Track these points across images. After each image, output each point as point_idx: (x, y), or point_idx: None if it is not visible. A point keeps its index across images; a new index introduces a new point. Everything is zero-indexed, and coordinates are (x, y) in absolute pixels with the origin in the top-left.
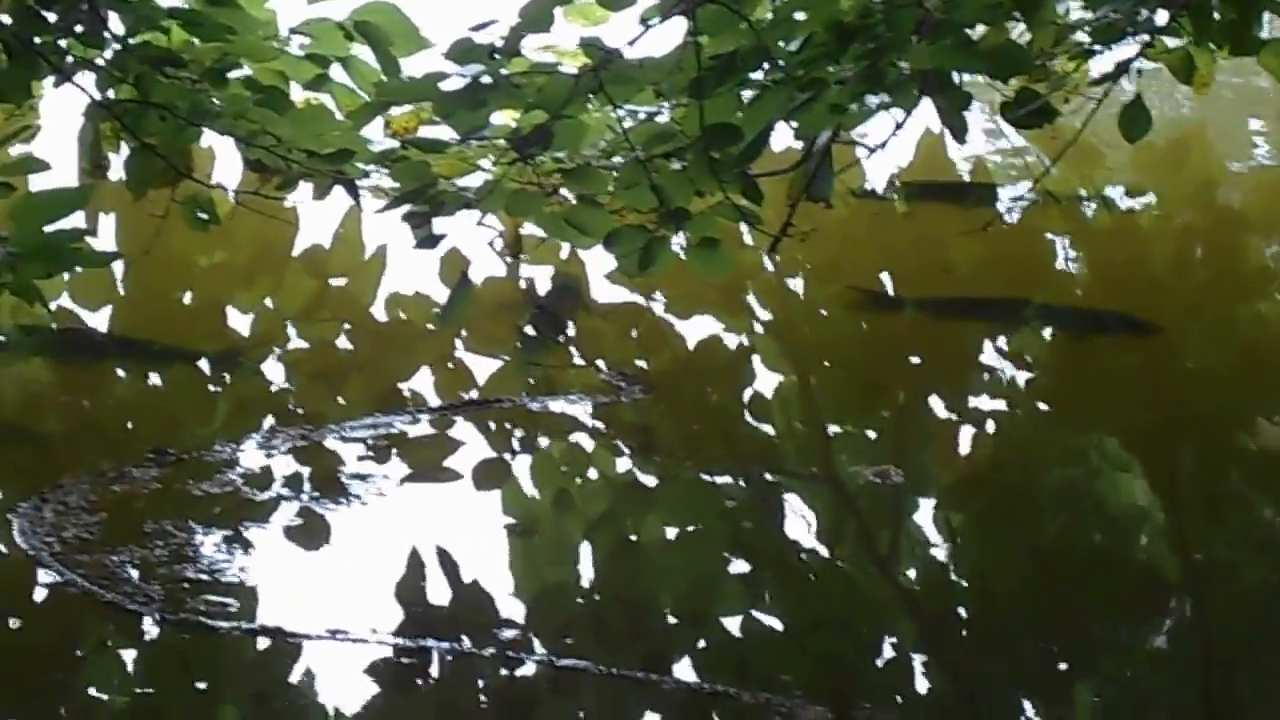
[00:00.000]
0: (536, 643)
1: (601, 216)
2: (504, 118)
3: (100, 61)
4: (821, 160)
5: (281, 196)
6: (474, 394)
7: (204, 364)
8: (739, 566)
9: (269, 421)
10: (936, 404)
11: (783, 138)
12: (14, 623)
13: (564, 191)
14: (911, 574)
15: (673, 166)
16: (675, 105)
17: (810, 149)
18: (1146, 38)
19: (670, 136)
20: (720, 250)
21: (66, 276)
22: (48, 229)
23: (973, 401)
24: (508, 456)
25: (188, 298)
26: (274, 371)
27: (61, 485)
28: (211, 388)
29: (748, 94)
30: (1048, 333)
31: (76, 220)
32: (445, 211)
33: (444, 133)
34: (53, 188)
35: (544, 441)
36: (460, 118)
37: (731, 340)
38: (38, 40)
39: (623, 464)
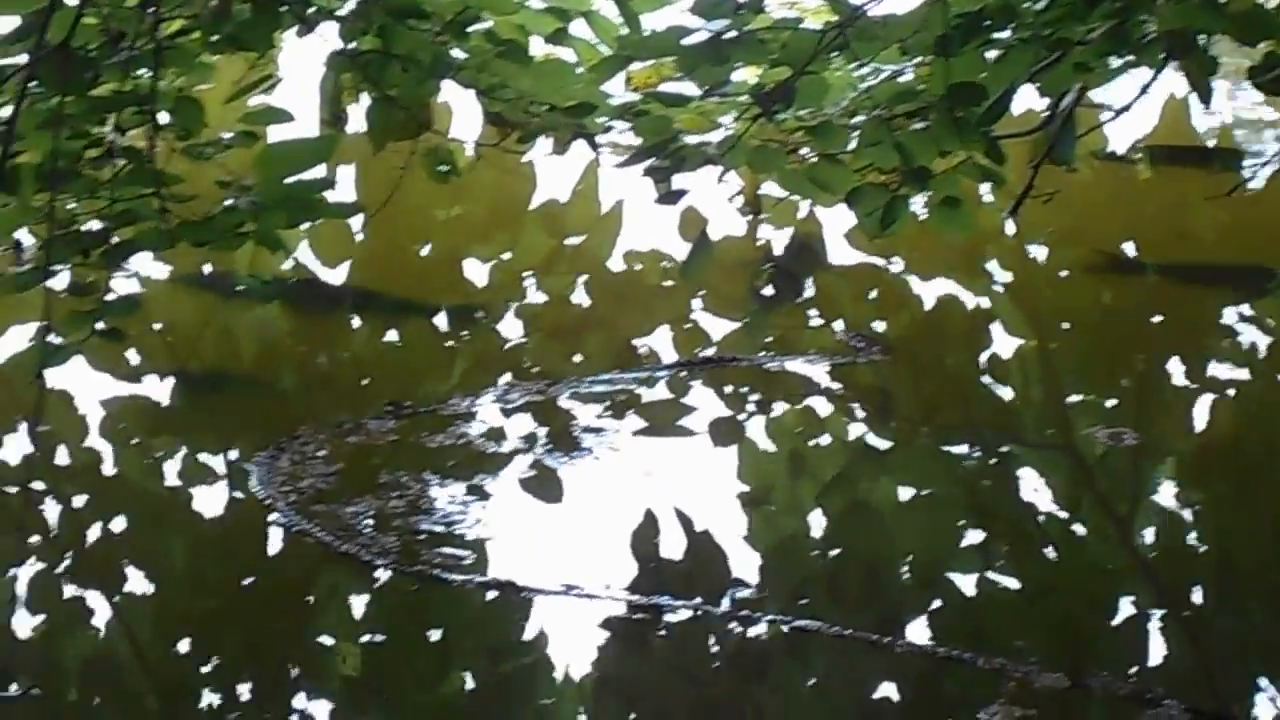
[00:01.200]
0: (770, 602)
1: (844, 173)
2: (746, 74)
3: (342, 11)
4: (1065, 122)
5: (521, 150)
6: (710, 352)
7: (440, 318)
8: (974, 530)
9: (505, 376)
10: (1177, 370)
11: (1023, 101)
12: (249, 571)
13: (804, 151)
14: (1148, 540)
15: (915, 126)
16: (919, 64)
17: (1054, 111)
18: None
19: (913, 95)
20: (962, 209)
21: (305, 228)
22: (290, 179)
23: (1213, 369)
24: (742, 416)
25: (425, 251)
26: (510, 327)
27: (299, 435)
28: (448, 342)
29: (992, 53)
30: None
31: (317, 172)
32: (686, 167)
33: (685, 89)
34: (297, 138)
35: (779, 402)
36: (703, 72)
37: (970, 303)
38: None
39: (858, 426)
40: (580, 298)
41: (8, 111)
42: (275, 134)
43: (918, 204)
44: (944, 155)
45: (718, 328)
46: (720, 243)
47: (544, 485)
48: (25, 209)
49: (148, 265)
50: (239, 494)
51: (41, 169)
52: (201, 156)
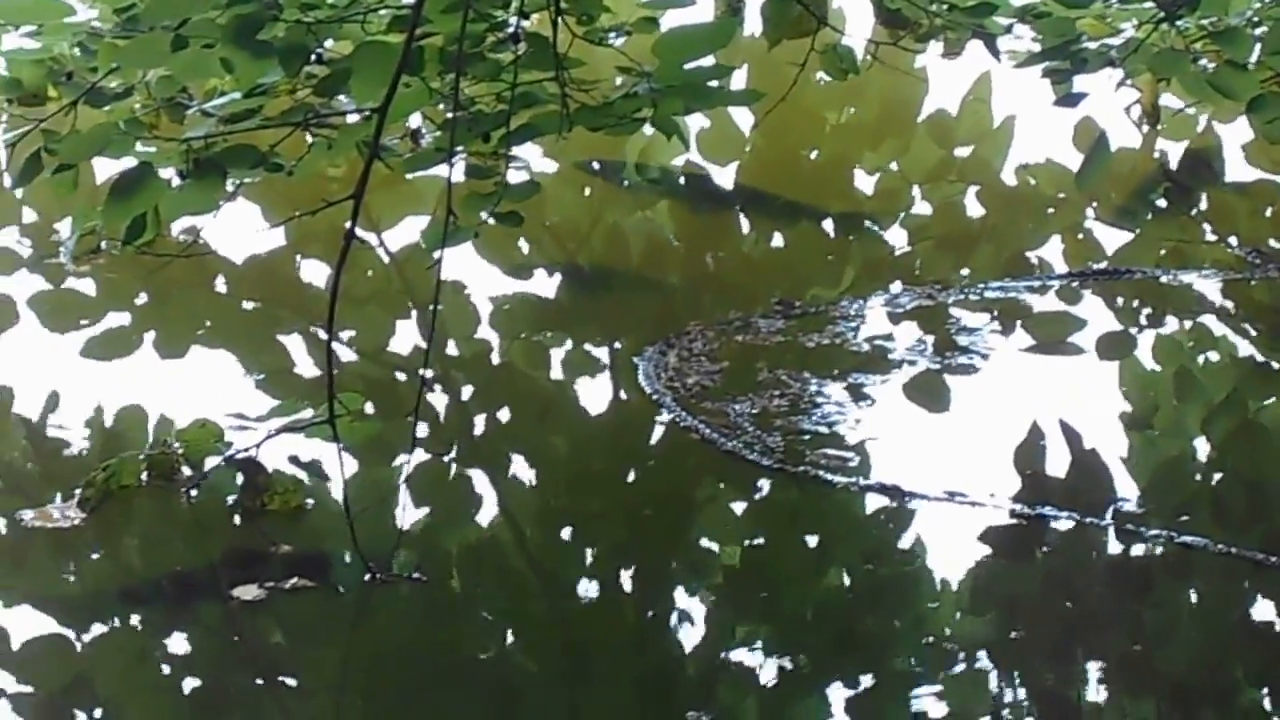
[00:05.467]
0: (1152, 518)
1: (1247, 80)
2: None
3: None
4: None
5: (916, 51)
6: (1102, 264)
7: (828, 222)
8: None
9: (894, 282)
10: None
11: None
12: (634, 465)
13: (1204, 63)
14: None
15: None
16: None
17: None
18: None
19: None
20: None
21: (695, 131)
22: (689, 66)
23: None
24: (1133, 329)
25: (814, 155)
26: (898, 233)
27: (687, 332)
28: (836, 246)
29: None
30: None
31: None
32: (1086, 69)
33: None
34: (696, 23)
35: (1170, 316)
36: None
37: None
38: None
39: (1249, 344)
40: (970, 207)
41: None
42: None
43: None
44: None
45: (1111, 239)
46: (1115, 153)
47: (928, 391)
48: (427, 90)
49: (538, 159)
50: (626, 389)
51: (445, 52)
52: (602, 42)
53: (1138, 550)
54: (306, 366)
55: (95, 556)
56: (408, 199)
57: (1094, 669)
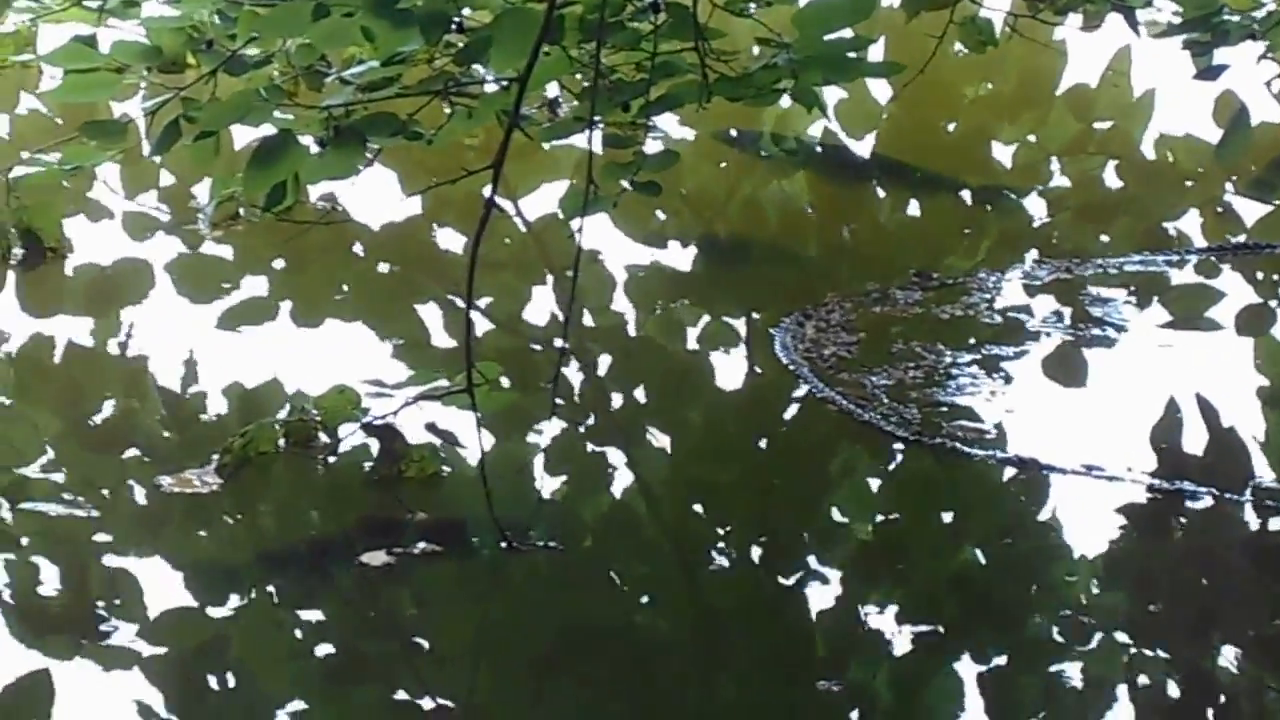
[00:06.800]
0: None
1: None
2: None
3: None
4: None
5: (1055, 23)
6: (1241, 238)
7: (965, 195)
8: None
9: (1031, 254)
10: None
11: None
12: (770, 436)
13: None
14: None
15: None
16: None
17: None
18: None
19: None
20: None
21: (832, 102)
22: (829, 37)
23: None
24: (1272, 303)
25: (951, 127)
26: (1036, 206)
27: (825, 303)
28: (973, 217)
29: None
30: None
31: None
32: (1227, 42)
33: None
34: None
35: None
36: None
37: None
38: None
39: None
40: (1108, 180)
41: None
42: None
43: None
44: None
45: (1251, 213)
46: (1256, 129)
47: (1065, 364)
48: (567, 59)
49: (675, 128)
50: (762, 360)
51: (585, 21)
52: (741, 13)
53: (1276, 526)
54: (442, 335)
55: (232, 522)
56: (544, 168)
57: (1231, 645)
